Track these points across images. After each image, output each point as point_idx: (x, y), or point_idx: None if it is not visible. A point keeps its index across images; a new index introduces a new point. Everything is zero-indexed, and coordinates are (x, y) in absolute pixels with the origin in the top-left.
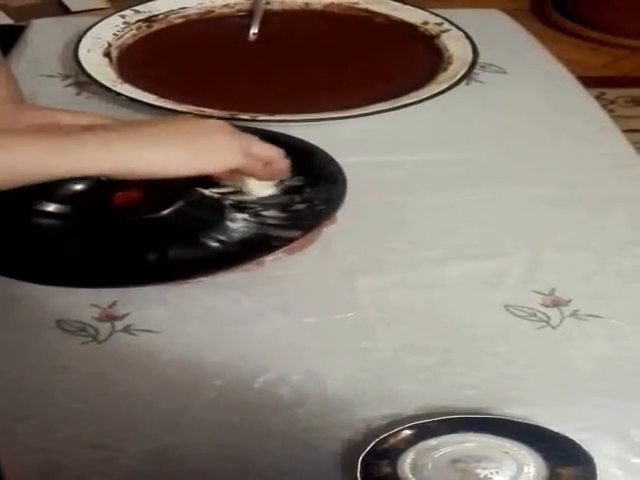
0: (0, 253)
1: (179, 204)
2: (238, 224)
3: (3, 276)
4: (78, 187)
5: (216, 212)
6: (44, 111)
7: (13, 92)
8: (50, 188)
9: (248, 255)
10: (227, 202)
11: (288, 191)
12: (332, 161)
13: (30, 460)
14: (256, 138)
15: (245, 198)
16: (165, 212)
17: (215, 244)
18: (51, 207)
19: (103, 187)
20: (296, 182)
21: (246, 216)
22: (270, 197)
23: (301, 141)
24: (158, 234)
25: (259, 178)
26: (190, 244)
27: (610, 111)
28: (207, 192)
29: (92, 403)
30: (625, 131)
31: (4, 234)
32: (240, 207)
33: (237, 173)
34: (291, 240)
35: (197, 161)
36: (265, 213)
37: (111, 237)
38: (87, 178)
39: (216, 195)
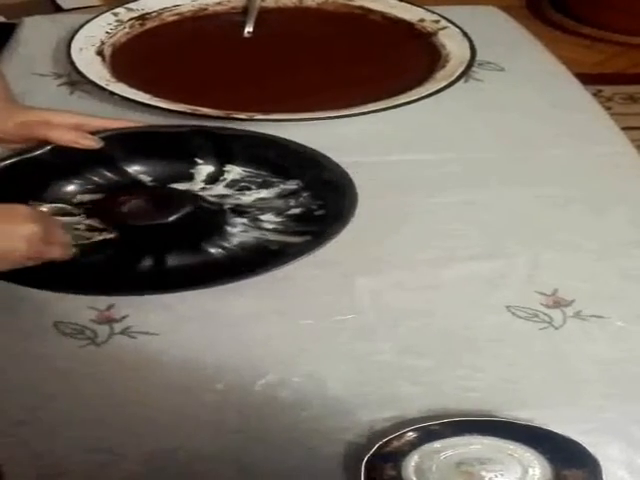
0: None
1: (184, 211)
2: (237, 229)
3: (3, 280)
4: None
5: (218, 218)
6: (34, 110)
7: (2, 91)
8: (48, 190)
9: (253, 264)
10: (226, 207)
11: (284, 195)
12: (342, 172)
13: (30, 464)
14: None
15: (242, 201)
16: (171, 219)
17: (218, 251)
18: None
19: (107, 194)
20: (292, 186)
21: (245, 220)
22: (266, 200)
23: (304, 147)
24: (162, 241)
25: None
26: (193, 251)
27: (607, 108)
28: (209, 197)
29: (91, 406)
30: (622, 129)
31: None
32: (238, 211)
33: None
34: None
35: None
36: (263, 217)
37: (116, 244)
38: (87, 184)
39: (215, 200)
